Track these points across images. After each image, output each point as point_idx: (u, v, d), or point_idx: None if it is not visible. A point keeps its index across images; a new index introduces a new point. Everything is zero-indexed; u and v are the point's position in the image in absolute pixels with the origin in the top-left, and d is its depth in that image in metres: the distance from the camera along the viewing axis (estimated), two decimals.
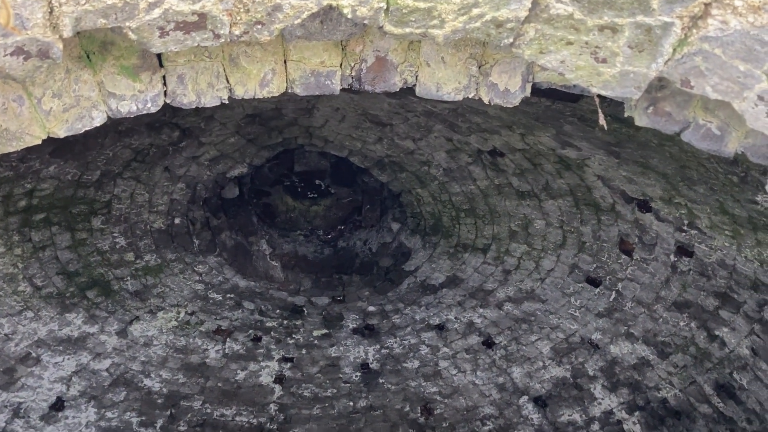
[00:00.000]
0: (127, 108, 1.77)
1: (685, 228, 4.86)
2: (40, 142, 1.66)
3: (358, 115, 4.87)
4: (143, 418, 6.58)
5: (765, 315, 5.07)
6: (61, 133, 1.67)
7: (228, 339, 6.54)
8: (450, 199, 5.64)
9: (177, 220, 5.59)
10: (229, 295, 6.31)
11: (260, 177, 5.87)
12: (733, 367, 5.47)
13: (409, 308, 6.55)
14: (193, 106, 1.87)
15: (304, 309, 6.57)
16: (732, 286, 5.09)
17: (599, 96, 2.00)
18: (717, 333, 5.45)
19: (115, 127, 4.65)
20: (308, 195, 6.16)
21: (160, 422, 6.65)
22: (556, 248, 5.69)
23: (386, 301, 6.54)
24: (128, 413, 6.51)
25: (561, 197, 5.20)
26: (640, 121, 2.03)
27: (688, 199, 4.54)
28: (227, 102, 1.92)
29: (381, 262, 6.40)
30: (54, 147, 4.31)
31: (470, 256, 6.07)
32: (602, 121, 1.98)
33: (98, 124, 1.75)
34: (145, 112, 1.79)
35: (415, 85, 2.04)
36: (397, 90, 2.04)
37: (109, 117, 1.78)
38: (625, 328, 5.89)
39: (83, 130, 1.74)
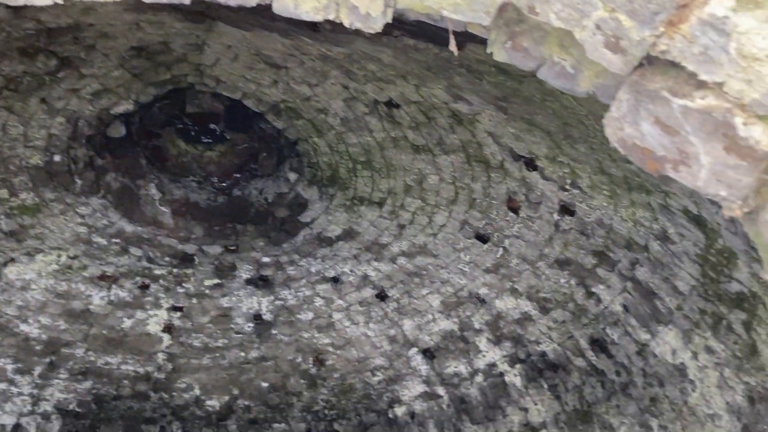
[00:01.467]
0: None
1: (567, 187, 5.02)
2: None
3: (252, 55, 4.69)
4: (19, 365, 6.27)
5: (637, 274, 5.34)
6: None
7: (113, 285, 6.29)
8: (347, 150, 5.58)
9: (57, 158, 5.25)
10: (114, 240, 6.04)
11: (150, 117, 5.59)
12: (607, 323, 5.77)
13: (305, 260, 6.50)
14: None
15: (195, 257, 6.38)
16: (609, 245, 5.33)
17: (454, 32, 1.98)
18: (594, 290, 5.71)
19: None
20: (202, 139, 5.93)
21: (38, 369, 6.36)
22: (448, 204, 5.76)
23: (281, 252, 6.46)
24: (2, 359, 6.19)
25: (454, 153, 5.24)
26: (499, 56, 2.01)
27: (571, 158, 4.67)
28: None
29: (277, 213, 6.29)
30: None
31: (366, 209, 6.06)
32: (453, 46, 1.96)
33: None
34: None
35: (272, 2, 1.93)
36: (254, 5, 1.93)
37: None
38: (510, 283, 6.07)
39: None
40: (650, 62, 1.58)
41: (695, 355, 5.24)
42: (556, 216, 5.39)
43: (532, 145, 4.76)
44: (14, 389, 6.33)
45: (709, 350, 5.09)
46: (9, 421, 6.41)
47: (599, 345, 5.89)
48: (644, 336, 5.51)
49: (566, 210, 5.28)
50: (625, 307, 5.58)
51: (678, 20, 1.41)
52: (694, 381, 5.31)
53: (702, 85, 1.45)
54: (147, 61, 4.73)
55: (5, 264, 5.75)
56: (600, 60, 1.60)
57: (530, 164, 5.03)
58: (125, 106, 5.07)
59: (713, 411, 5.25)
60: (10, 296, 5.97)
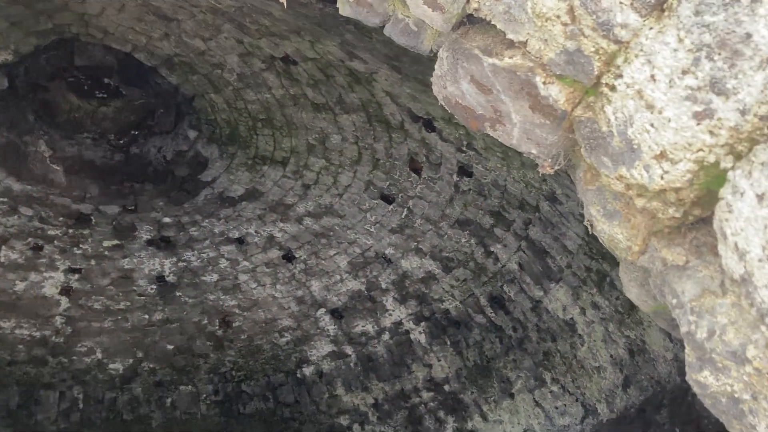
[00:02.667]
0: None
1: (464, 149, 5.11)
2: None
3: (140, 5, 4.49)
4: None
5: (530, 233, 5.53)
6: None
7: (3, 247, 6.02)
8: (246, 107, 5.47)
9: None
10: (1, 199, 5.76)
11: (36, 69, 5.30)
12: (504, 281, 5.97)
13: (208, 220, 6.40)
14: None
15: (92, 217, 6.18)
16: (504, 206, 5.48)
17: None
18: (492, 249, 5.88)
19: None
20: (96, 94, 5.68)
21: None
22: (352, 164, 5.77)
23: (182, 212, 6.33)
24: None
25: (355, 112, 5.23)
26: (344, 10, 2.00)
27: None
28: None
29: (177, 171, 6.14)
30: None
31: (269, 168, 5.99)
32: None
33: None
34: None
35: None
36: None
37: None
38: (415, 243, 6.18)
39: None
40: (471, 21, 1.61)
41: (583, 311, 5.51)
42: (455, 177, 5.49)
43: (429, 106, 4.80)
44: None
45: (595, 306, 5.37)
46: None
47: (498, 302, 6.10)
48: (538, 293, 5.74)
49: (465, 171, 5.39)
50: (521, 266, 5.79)
51: None
52: (582, 336, 5.60)
53: (510, 44, 1.49)
54: (26, 9, 4.46)
55: None
56: (422, 17, 1.62)
57: (429, 125, 5.08)
58: (4, 56, 4.79)
59: (599, 363, 5.57)
60: None
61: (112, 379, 6.82)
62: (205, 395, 6.98)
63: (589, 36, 1.29)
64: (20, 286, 6.25)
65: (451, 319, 6.43)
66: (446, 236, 6.01)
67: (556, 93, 1.44)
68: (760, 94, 1.09)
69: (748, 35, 1.07)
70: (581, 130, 1.46)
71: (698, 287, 1.29)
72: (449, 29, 1.61)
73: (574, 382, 5.73)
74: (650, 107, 1.25)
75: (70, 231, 6.15)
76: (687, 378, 1.37)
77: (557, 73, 1.42)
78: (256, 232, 6.43)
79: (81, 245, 6.26)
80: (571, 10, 1.28)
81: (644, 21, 1.21)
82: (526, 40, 1.44)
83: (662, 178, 1.29)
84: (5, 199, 5.74)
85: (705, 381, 1.29)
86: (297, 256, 6.56)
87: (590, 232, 4.53)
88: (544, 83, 1.44)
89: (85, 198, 6.02)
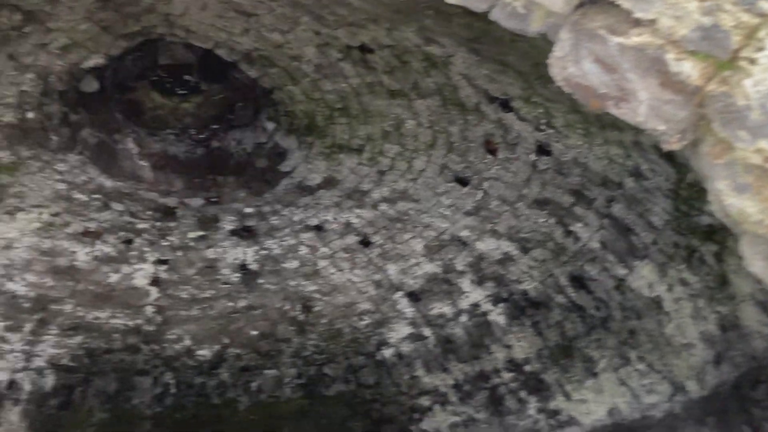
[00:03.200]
0: None
1: (542, 127, 5.08)
2: None
3: (221, 3, 4.64)
4: (9, 323, 6.40)
5: (613, 210, 5.47)
6: None
7: (97, 241, 6.36)
8: (323, 97, 5.58)
9: (30, 114, 5.23)
10: (95, 196, 6.07)
11: (123, 70, 5.55)
12: (585, 260, 5.93)
13: (287, 209, 6.57)
14: None
15: (178, 210, 6.44)
16: (585, 184, 5.42)
17: None
18: (572, 228, 5.84)
19: None
20: (177, 91, 5.90)
21: (28, 327, 6.49)
22: (427, 148, 5.81)
23: (263, 202, 6.52)
24: None
25: (430, 96, 5.26)
26: None
27: (545, 98, 4.72)
28: None
29: (257, 163, 6.33)
30: None
31: (345, 156, 6.10)
32: None
33: None
34: None
35: None
36: None
37: None
38: (491, 225, 6.19)
39: None
40: (592, 1, 1.63)
41: (670, 288, 5.42)
42: (533, 156, 5.47)
43: (507, 87, 4.79)
44: (6, 346, 6.47)
45: (683, 282, 5.27)
46: (3, 377, 6.58)
47: (578, 282, 6.06)
48: (621, 271, 5.68)
49: (543, 150, 5.36)
50: (603, 244, 5.73)
51: None
52: (669, 312, 5.51)
53: (637, 22, 1.50)
54: (114, 13, 4.67)
55: None
56: (542, 0, 1.65)
57: (505, 105, 5.07)
58: (96, 60, 5.04)
59: (688, 340, 5.47)
60: None
61: (200, 365, 7.13)
62: (288, 379, 7.22)
63: (729, 11, 1.30)
64: (114, 278, 6.59)
65: (530, 300, 6.42)
66: (523, 217, 5.99)
67: (688, 69, 1.45)
68: None
69: None
70: (714, 105, 1.47)
71: None
72: (570, 11, 1.64)
73: (661, 359, 5.66)
74: None
75: (158, 224, 6.44)
76: None
77: (690, 49, 1.43)
78: (333, 219, 6.57)
79: (168, 237, 6.54)
80: None
81: None
82: (656, 18, 1.45)
83: None
84: (98, 196, 6.05)
85: None
86: (373, 241, 6.67)
87: (679, 207, 4.44)
88: (675, 60, 1.46)
89: (170, 192, 6.28)
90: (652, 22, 1.46)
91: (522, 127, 5.19)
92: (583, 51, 1.61)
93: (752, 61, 1.33)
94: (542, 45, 3.73)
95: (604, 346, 6.04)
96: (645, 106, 1.58)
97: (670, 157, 4.40)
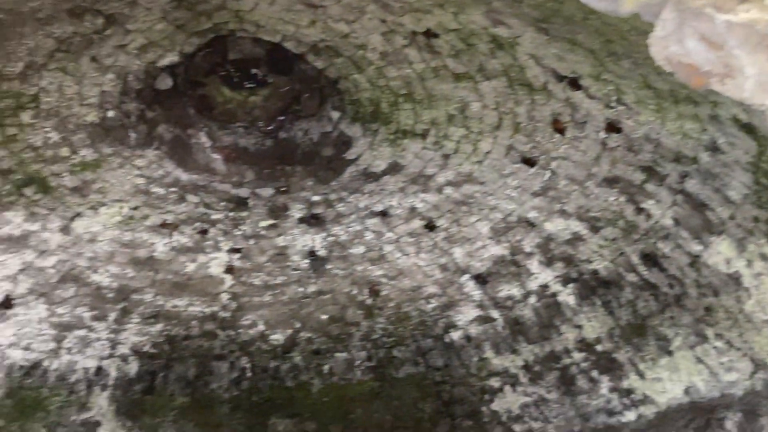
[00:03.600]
0: None
1: (613, 104, 5.03)
2: None
3: None
4: (95, 313, 6.76)
5: (686, 186, 5.38)
6: None
7: (174, 232, 6.63)
8: (388, 84, 5.65)
9: (110, 113, 5.49)
10: (171, 189, 6.33)
11: (194, 67, 5.74)
12: (657, 237, 5.85)
13: (353, 196, 6.69)
14: None
15: (249, 201, 6.65)
16: (657, 160, 5.35)
17: None
18: (643, 206, 5.77)
19: (34, 15, 4.46)
20: (245, 85, 6.07)
21: (112, 315, 6.84)
22: (492, 130, 5.82)
23: (330, 190, 6.66)
24: (79, 308, 6.66)
25: (495, 78, 5.27)
26: None
27: (615, 75, 4.67)
28: None
29: (323, 152, 6.46)
30: None
31: (410, 142, 6.16)
32: None
33: None
34: None
35: None
36: None
37: None
38: (560, 205, 6.17)
39: None
40: None
41: (750, 263, 5.31)
42: (602, 134, 5.41)
43: (575, 65, 4.76)
44: (93, 335, 6.84)
45: (764, 257, 5.16)
46: (91, 364, 6.96)
47: (651, 259, 5.99)
48: (696, 247, 5.58)
49: (612, 127, 5.30)
50: (676, 221, 5.64)
51: None
52: (749, 288, 5.40)
53: None
54: (188, 12, 4.85)
55: (73, 218, 6.11)
56: None
57: (574, 84, 5.03)
58: (170, 58, 5.24)
59: None
60: (80, 249, 6.37)
61: (274, 349, 7.37)
62: (359, 361, 7.38)
63: None
64: (190, 267, 6.86)
65: (601, 279, 6.38)
66: (593, 196, 5.95)
67: None
68: None
69: None
70: None
71: None
72: None
73: (740, 336, 5.56)
74: None
75: (231, 214, 6.66)
76: None
77: None
78: (398, 204, 6.65)
79: (240, 227, 6.76)
80: None
81: None
82: None
83: None
84: (175, 189, 6.31)
85: None
86: (439, 225, 6.73)
87: (760, 180, 4.35)
88: None
89: (242, 183, 6.49)
90: None
91: (591, 105, 5.14)
92: (687, 30, 1.64)
93: None
94: (616, 22, 3.71)
95: (679, 323, 5.96)
96: (752, 82, 1.60)
97: (750, 129, 4.31)
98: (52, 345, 6.65)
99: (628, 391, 6.35)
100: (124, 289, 6.77)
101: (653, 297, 6.09)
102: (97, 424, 6.94)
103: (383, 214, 6.74)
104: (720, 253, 5.42)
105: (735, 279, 5.41)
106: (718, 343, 5.74)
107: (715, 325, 5.72)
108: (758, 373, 5.55)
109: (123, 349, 7.01)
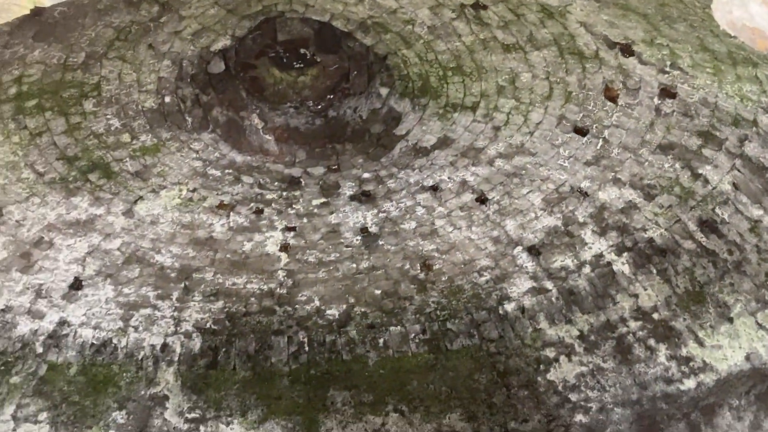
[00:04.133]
0: None
1: (667, 69, 4.96)
2: (28, 11, 1.77)
3: None
4: (159, 292, 7.04)
5: (746, 150, 5.28)
6: (47, 2, 1.77)
7: (231, 213, 6.83)
8: (436, 58, 5.68)
9: (167, 99, 5.67)
10: (227, 171, 6.52)
11: (244, 49, 5.87)
12: (716, 203, 5.77)
13: (403, 172, 6.77)
14: None
15: (302, 180, 6.79)
16: (714, 124, 5.26)
17: None
18: (700, 171, 5.69)
19: (94, 6, 4.64)
20: (294, 65, 6.18)
21: (175, 294, 7.12)
22: (543, 100, 5.81)
23: (380, 166, 6.75)
24: (144, 288, 6.96)
25: (545, 47, 5.25)
26: None
27: (670, 39, 4.60)
28: None
29: (372, 129, 6.54)
30: (36, 30, 4.33)
31: (460, 115, 6.19)
32: None
33: None
34: None
35: None
36: None
37: None
38: (613, 174, 6.13)
39: None
40: None
41: None
42: (656, 100, 5.35)
43: (628, 31, 4.71)
44: (158, 313, 7.12)
45: None
46: (157, 341, 7.26)
47: (709, 226, 5.91)
48: (756, 212, 5.50)
49: (667, 93, 5.23)
50: (735, 185, 5.55)
51: None
52: None
53: None
54: None
55: (135, 202, 6.37)
56: None
57: (626, 50, 4.98)
58: (223, 42, 5.38)
59: None
60: (143, 231, 6.64)
61: (330, 324, 7.55)
62: (413, 334, 7.51)
63: None
64: (247, 246, 7.08)
65: (656, 248, 6.33)
66: (647, 163, 5.89)
67: None
68: None
69: None
70: None
71: None
72: None
73: None
74: None
75: (284, 194, 6.83)
76: None
77: None
78: (449, 178, 6.70)
79: (294, 206, 6.93)
80: None
81: None
82: None
83: None
84: (231, 171, 6.50)
85: None
86: (490, 197, 6.76)
87: None
88: None
89: (294, 162, 6.63)
90: None
91: (644, 71, 5.08)
92: None
93: None
94: None
95: (739, 290, 5.89)
96: None
97: None
98: (120, 324, 6.96)
99: (687, 359, 6.32)
100: (186, 269, 7.02)
101: (712, 264, 6.02)
102: (165, 398, 7.24)
103: (434, 188, 6.80)
104: None
105: None
106: None
107: None
108: None
109: (186, 326, 7.28)
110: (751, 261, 5.73)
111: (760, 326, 5.86)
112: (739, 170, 5.41)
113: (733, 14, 1.71)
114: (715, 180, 5.61)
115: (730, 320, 6.00)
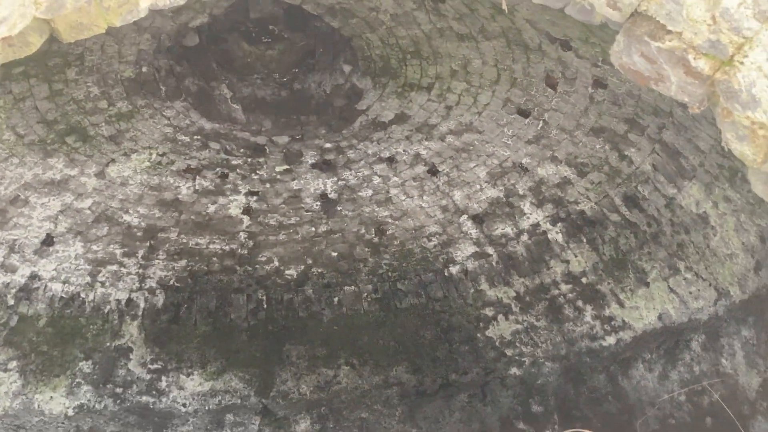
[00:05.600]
0: (164, 1, 2.49)
1: (599, 64, 5.81)
2: (103, 31, 2.39)
3: None
4: (126, 250, 7.51)
5: (663, 136, 6.22)
6: (117, 23, 2.39)
7: (197, 177, 7.37)
8: (397, 42, 6.37)
9: (144, 69, 6.20)
10: (196, 137, 7.06)
11: (217, 25, 6.42)
12: (638, 181, 6.71)
13: (362, 144, 7.40)
14: None
15: (266, 148, 7.37)
16: (638, 113, 6.17)
17: None
18: (626, 153, 6.61)
19: None
20: (263, 40, 6.75)
21: (141, 252, 7.61)
22: (491, 84, 6.59)
23: (341, 138, 7.38)
24: (111, 246, 7.42)
25: (495, 38, 6.01)
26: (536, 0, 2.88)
27: (601, 39, 5.44)
28: None
29: (335, 102, 7.19)
30: None
31: (416, 94, 6.90)
32: (505, 6, 2.82)
33: (143, 15, 2.46)
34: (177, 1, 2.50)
35: None
36: None
37: (149, 9, 2.49)
38: (551, 152, 6.99)
39: (132, 21, 2.46)
40: (638, 14, 2.47)
41: (716, 205, 6.22)
42: (590, 89, 6.21)
43: (567, 29, 5.52)
44: (124, 270, 7.60)
45: (727, 199, 6.06)
46: (123, 296, 7.75)
47: (632, 201, 6.85)
48: (671, 191, 6.47)
49: (599, 84, 6.10)
50: (654, 166, 6.50)
51: None
52: (715, 227, 6.32)
53: (669, 32, 2.35)
54: None
55: (107, 164, 6.88)
56: (604, 14, 2.50)
57: (565, 45, 5.80)
58: (201, 20, 5.92)
59: (731, 251, 6.31)
60: (113, 192, 7.13)
61: (288, 283, 8.11)
62: (366, 294, 8.17)
63: (726, 33, 2.14)
64: (211, 208, 7.62)
65: (587, 219, 7.24)
66: (581, 144, 6.77)
67: (702, 65, 2.30)
68: None
69: None
70: (720, 86, 2.33)
71: None
72: (623, 21, 2.48)
73: (707, 269, 6.51)
74: (767, 76, 2.11)
75: (249, 160, 7.40)
76: None
77: (703, 52, 2.28)
78: (404, 151, 7.39)
79: (258, 171, 7.51)
80: (713, 18, 2.14)
81: (762, 25, 2.05)
82: (681, 31, 2.30)
83: None
84: (199, 137, 7.06)
85: None
86: (441, 170, 7.50)
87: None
88: (694, 59, 2.31)
89: (260, 131, 7.23)
90: (679, 33, 2.30)
91: (580, 63, 5.93)
92: (632, 48, 2.47)
93: (741, 63, 2.18)
94: None
95: (655, 258, 6.87)
96: (675, 86, 2.44)
97: None
98: (88, 279, 7.44)
99: (609, 318, 7.27)
100: (152, 229, 7.52)
101: (633, 234, 6.98)
102: (129, 349, 7.71)
103: (390, 160, 7.48)
104: (691, 196, 6.33)
105: (703, 218, 6.34)
106: (688, 275, 6.69)
107: (686, 259, 6.66)
108: (721, 300, 6.53)
109: (151, 283, 7.77)
110: (665, 233, 6.73)
111: (671, 290, 6.88)
112: (657, 153, 6.36)
113: (623, 60, 2.50)
114: (638, 161, 6.54)
115: (647, 284, 6.97)
